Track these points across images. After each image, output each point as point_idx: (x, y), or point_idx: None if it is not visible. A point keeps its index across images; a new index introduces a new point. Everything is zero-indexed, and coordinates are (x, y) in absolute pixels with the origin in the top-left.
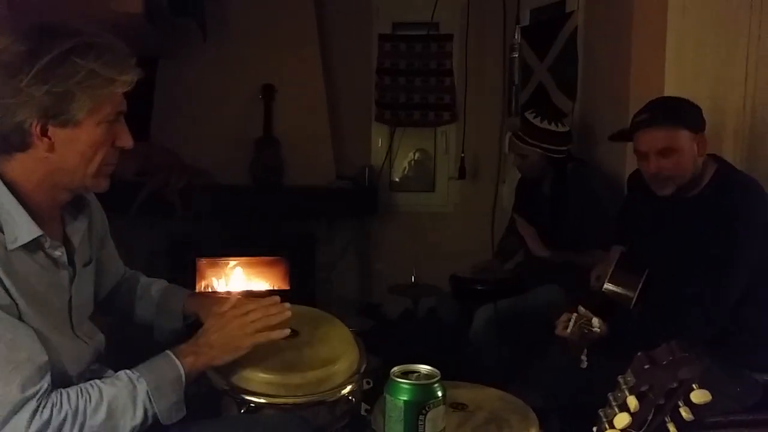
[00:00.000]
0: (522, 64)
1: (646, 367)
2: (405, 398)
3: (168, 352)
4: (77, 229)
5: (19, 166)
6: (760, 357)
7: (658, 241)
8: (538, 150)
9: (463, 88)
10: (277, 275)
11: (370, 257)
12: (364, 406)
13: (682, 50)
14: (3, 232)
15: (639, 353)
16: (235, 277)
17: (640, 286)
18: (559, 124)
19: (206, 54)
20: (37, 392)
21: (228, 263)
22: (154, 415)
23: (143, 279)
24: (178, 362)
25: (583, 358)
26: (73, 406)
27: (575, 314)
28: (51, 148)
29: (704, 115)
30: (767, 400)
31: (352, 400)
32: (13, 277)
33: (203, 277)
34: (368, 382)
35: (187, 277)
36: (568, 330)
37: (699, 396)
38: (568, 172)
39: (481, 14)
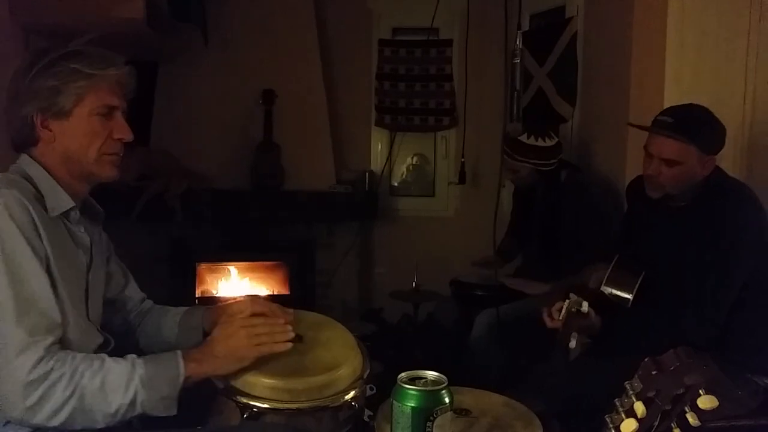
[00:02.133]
0: (522, 70)
1: (654, 373)
2: (412, 404)
3: (178, 351)
4: (94, 229)
5: (41, 156)
6: (761, 361)
7: (653, 245)
8: (528, 165)
9: (463, 93)
10: (277, 280)
11: (370, 262)
12: (367, 412)
13: (682, 56)
14: (45, 206)
15: (646, 359)
16: (235, 282)
17: (636, 287)
18: (547, 139)
19: (207, 59)
20: (43, 341)
21: (228, 268)
22: (143, 403)
23: (167, 307)
24: (181, 362)
25: (572, 339)
26: (75, 365)
27: (567, 300)
28: (53, 139)
29: None
30: None
31: (355, 406)
32: (52, 241)
33: (203, 282)
34: (371, 388)
35: (188, 282)
36: (560, 317)
37: (706, 402)
38: (562, 179)
39: (480, 19)
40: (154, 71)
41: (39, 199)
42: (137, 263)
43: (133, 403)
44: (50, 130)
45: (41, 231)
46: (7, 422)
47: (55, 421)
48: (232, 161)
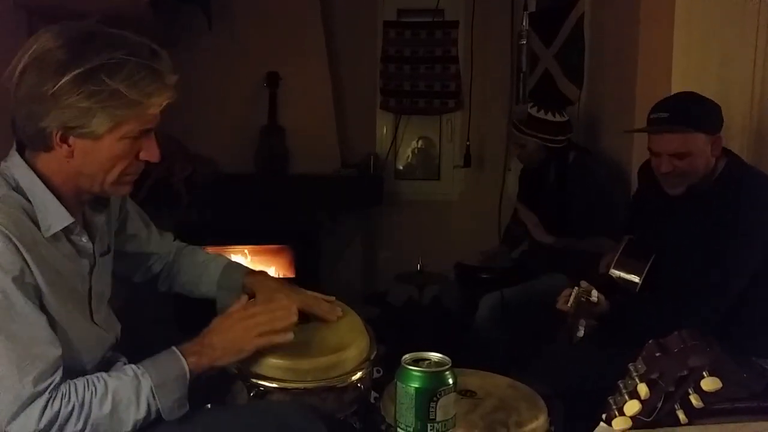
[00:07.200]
0: (529, 51)
1: (657, 355)
2: (416, 385)
3: (174, 349)
4: (97, 220)
5: (45, 163)
6: (766, 344)
7: (666, 231)
8: (535, 140)
9: (469, 76)
10: (282, 264)
11: (375, 245)
12: (373, 394)
13: (690, 37)
14: (38, 222)
15: (650, 341)
16: None
17: (645, 271)
18: (557, 114)
19: (210, 42)
20: (48, 386)
21: (233, 251)
22: (158, 410)
23: (201, 255)
24: (183, 360)
25: (580, 327)
26: (80, 398)
27: (576, 288)
28: (71, 155)
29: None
30: None
31: (360, 387)
32: (42, 266)
33: None
34: (378, 371)
35: None
36: (569, 304)
37: (709, 384)
38: (570, 161)
39: (486, 1)
40: None
41: (32, 214)
42: None
43: (148, 414)
44: (69, 146)
45: (30, 262)
46: None
47: None
48: (236, 145)
